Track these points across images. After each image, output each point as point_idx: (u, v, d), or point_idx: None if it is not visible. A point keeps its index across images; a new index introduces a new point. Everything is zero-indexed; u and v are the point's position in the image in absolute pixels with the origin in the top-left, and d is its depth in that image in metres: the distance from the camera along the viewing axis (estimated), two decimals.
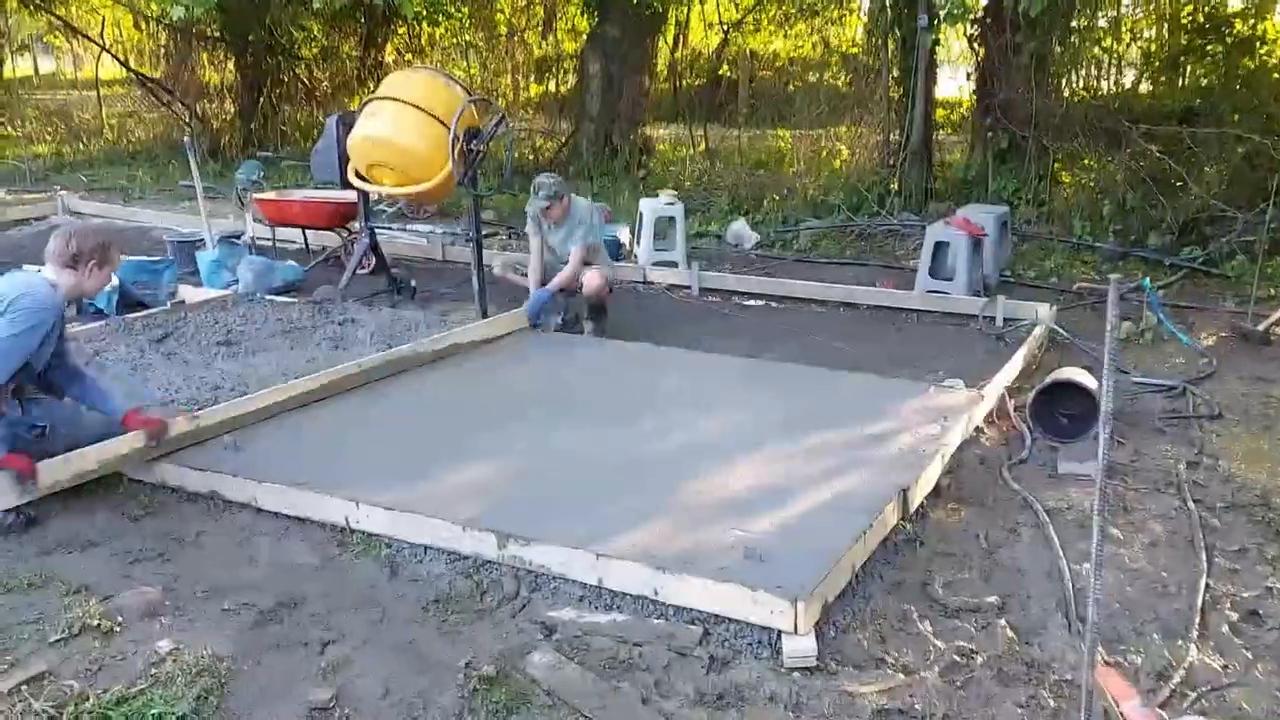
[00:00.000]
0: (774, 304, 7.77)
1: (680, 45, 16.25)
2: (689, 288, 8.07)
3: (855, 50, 13.31)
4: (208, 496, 4.23)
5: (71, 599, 3.46)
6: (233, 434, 4.62)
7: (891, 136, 11.04)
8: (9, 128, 17.22)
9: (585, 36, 13.96)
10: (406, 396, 5.34)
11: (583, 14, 14.23)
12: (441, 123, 6.63)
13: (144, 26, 18.02)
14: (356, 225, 8.04)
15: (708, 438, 4.78)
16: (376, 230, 7.73)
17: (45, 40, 20.76)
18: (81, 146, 15.89)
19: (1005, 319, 6.99)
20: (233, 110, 15.72)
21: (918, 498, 4.20)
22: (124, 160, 14.84)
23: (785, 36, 15.23)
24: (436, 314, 7.09)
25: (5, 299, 3.97)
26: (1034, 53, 9.83)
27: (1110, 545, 3.89)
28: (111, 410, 4.42)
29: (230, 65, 15.81)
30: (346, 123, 7.14)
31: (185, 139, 8.86)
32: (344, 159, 7.15)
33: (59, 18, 16.74)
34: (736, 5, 15.25)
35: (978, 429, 5.12)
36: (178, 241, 8.39)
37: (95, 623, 3.29)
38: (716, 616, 3.31)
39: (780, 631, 3.20)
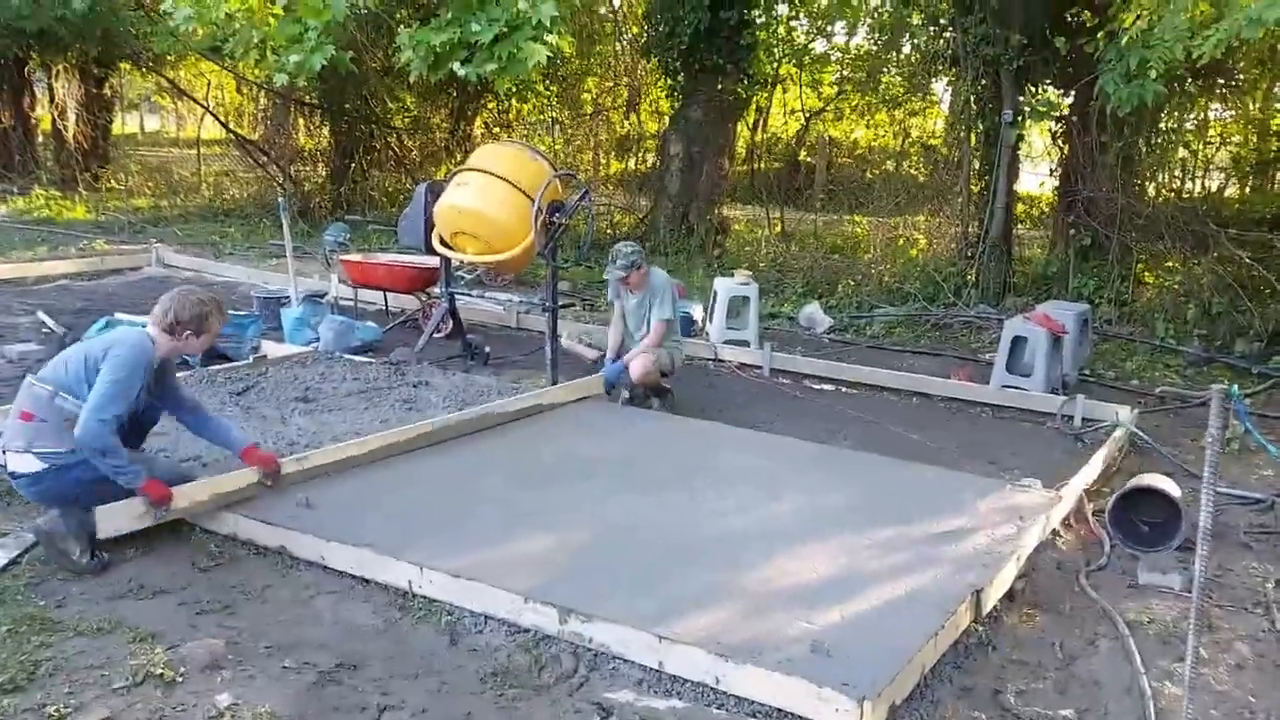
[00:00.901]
0: (845, 389, 7.70)
1: (760, 129, 16.50)
2: (760, 368, 8.05)
3: (936, 141, 13.35)
4: (276, 551, 4.27)
5: (137, 646, 3.50)
6: (304, 490, 4.67)
7: (970, 228, 10.99)
8: (112, 181, 18.02)
9: (669, 119, 14.23)
10: (474, 458, 5.37)
11: (667, 97, 14.53)
12: (526, 195, 6.77)
13: (245, 91, 18.86)
14: (436, 290, 8.21)
15: (774, 522, 4.71)
16: (456, 295, 7.88)
17: (153, 100, 21.85)
18: (179, 201, 16.53)
19: (1084, 419, 6.82)
20: (324, 174, 16.27)
21: (991, 599, 4.08)
22: (218, 217, 15.39)
23: (866, 126, 15.35)
24: (508, 380, 7.16)
25: (105, 348, 4.15)
26: (1120, 152, 9.76)
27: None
28: (233, 443, 4.65)
29: (325, 131, 16.41)
30: (435, 191, 7.34)
31: (279, 199, 9.16)
32: (429, 225, 7.33)
33: (168, 80, 17.59)
34: (819, 94, 15.46)
35: (1054, 532, 4.97)
36: (264, 297, 8.62)
37: (159, 672, 3.32)
38: (780, 711, 3.22)
39: None
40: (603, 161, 17.25)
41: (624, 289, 6.77)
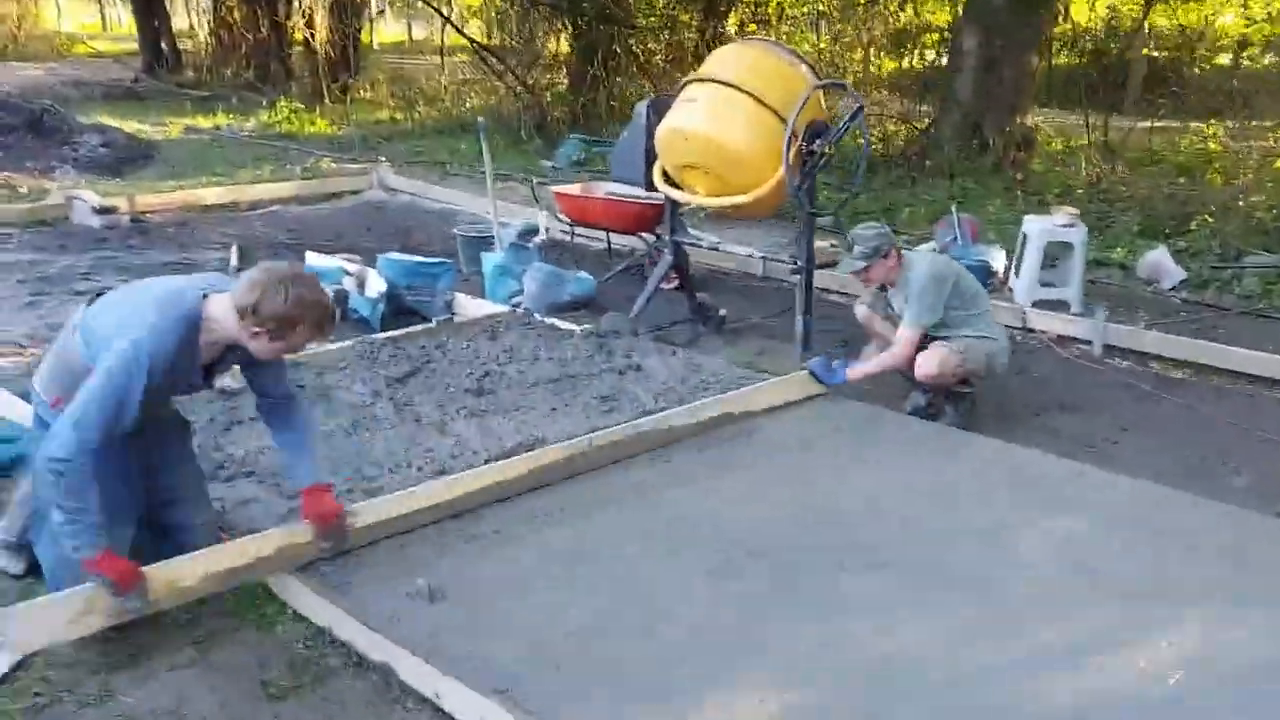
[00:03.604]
0: (1218, 380, 5.48)
1: (1075, 16, 13.55)
2: (1089, 343, 5.93)
3: None
4: (382, 669, 2.88)
5: None
6: (434, 566, 3.24)
7: None
8: (361, 91, 17.53)
9: (962, 7, 11.71)
10: (642, 515, 3.67)
11: None
12: (776, 114, 4.97)
13: None
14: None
15: (1067, 653, 2.80)
16: (682, 245, 6.17)
17: (395, 6, 21.34)
18: (417, 114, 15.69)
19: None
20: (566, 82, 14.92)
21: None
22: (454, 131, 14.40)
23: (1222, 4, 12.10)
24: (747, 354, 5.53)
25: (114, 332, 2.75)
26: None
27: None
28: (295, 478, 3.25)
29: (563, 36, 15.02)
30: (659, 110, 5.64)
31: (479, 120, 7.81)
32: (651, 156, 5.66)
33: None
34: None
35: None
36: (467, 237, 7.34)
37: None
38: None
39: None
40: (874, 61, 14.83)
41: (868, 286, 4.80)
